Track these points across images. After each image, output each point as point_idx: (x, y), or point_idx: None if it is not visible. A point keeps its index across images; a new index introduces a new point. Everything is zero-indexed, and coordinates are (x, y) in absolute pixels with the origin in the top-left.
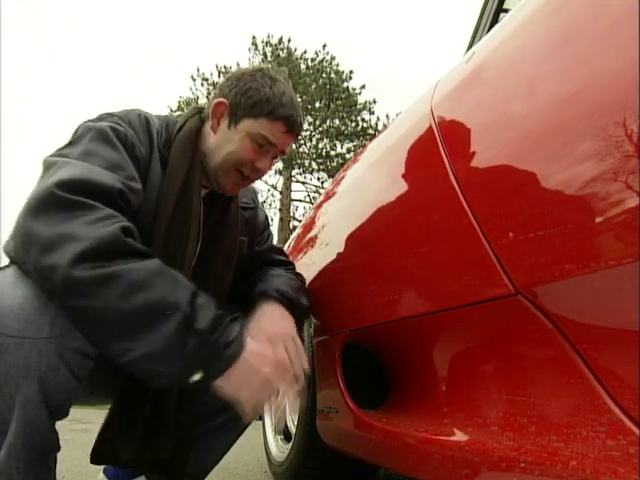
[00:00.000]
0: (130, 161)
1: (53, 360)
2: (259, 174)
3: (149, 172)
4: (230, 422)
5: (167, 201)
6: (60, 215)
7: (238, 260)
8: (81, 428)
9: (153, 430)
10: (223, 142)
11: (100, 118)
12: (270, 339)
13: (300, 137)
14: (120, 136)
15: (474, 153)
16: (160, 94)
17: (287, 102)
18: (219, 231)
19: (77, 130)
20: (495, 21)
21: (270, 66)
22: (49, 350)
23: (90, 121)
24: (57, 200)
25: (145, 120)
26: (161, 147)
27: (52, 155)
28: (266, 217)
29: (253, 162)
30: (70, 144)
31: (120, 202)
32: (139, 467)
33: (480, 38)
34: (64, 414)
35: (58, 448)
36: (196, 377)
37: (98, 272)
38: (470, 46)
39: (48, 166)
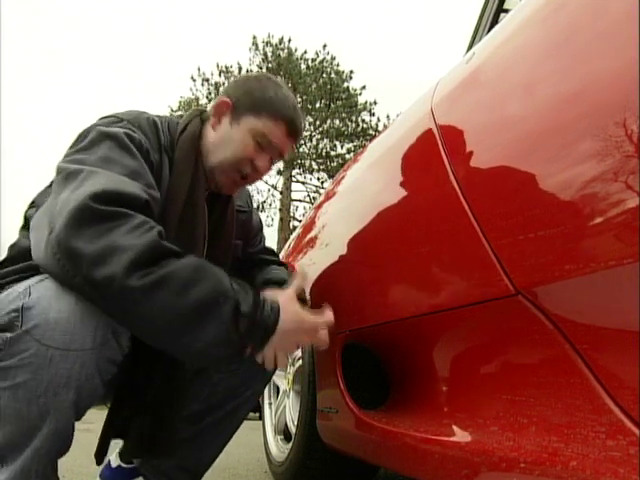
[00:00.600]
0: (147, 168)
1: (91, 370)
2: (258, 175)
3: (161, 177)
4: (226, 418)
5: (175, 205)
6: (100, 227)
7: (232, 263)
8: (82, 428)
9: (154, 427)
10: (224, 140)
11: (111, 122)
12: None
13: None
14: (136, 143)
15: (474, 153)
16: (160, 94)
17: (290, 106)
18: (217, 233)
19: (87, 133)
20: (495, 21)
21: (271, 65)
22: (90, 361)
23: (100, 125)
24: (95, 213)
25: (153, 124)
26: (167, 149)
27: (68, 161)
28: (260, 220)
29: (253, 161)
30: (85, 149)
31: (146, 211)
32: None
33: (480, 38)
34: (81, 417)
35: (68, 449)
36: (248, 351)
37: (151, 278)
38: (470, 46)
39: (70, 174)
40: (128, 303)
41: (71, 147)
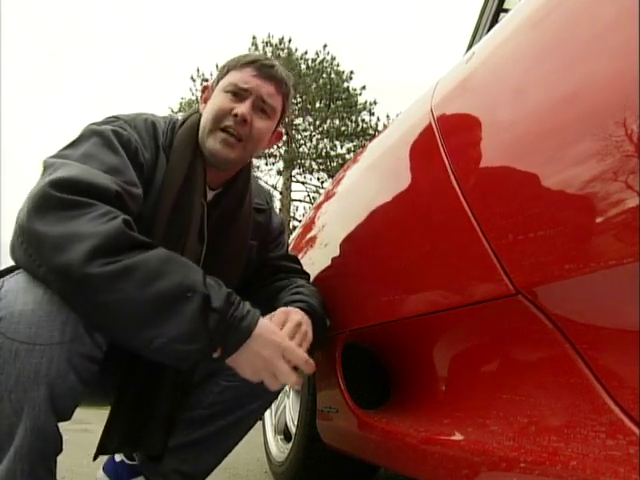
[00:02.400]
0: (131, 166)
1: (62, 366)
2: (244, 126)
3: (154, 177)
4: (229, 428)
5: (167, 199)
6: (61, 214)
7: (247, 265)
8: (81, 428)
9: (142, 425)
10: (205, 110)
11: (105, 121)
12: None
13: (300, 137)
14: (123, 140)
15: (474, 153)
16: (160, 94)
17: (255, 55)
18: (226, 233)
19: (81, 131)
20: (495, 21)
21: None
22: (59, 356)
23: (94, 124)
24: (55, 200)
25: (151, 125)
26: (166, 149)
27: (52, 156)
28: (282, 223)
29: (231, 111)
30: (71, 145)
31: (116, 203)
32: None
33: (480, 38)
34: (69, 417)
35: (60, 450)
36: (216, 354)
37: (113, 267)
38: (470, 46)
39: (47, 167)
40: (88, 293)
41: None
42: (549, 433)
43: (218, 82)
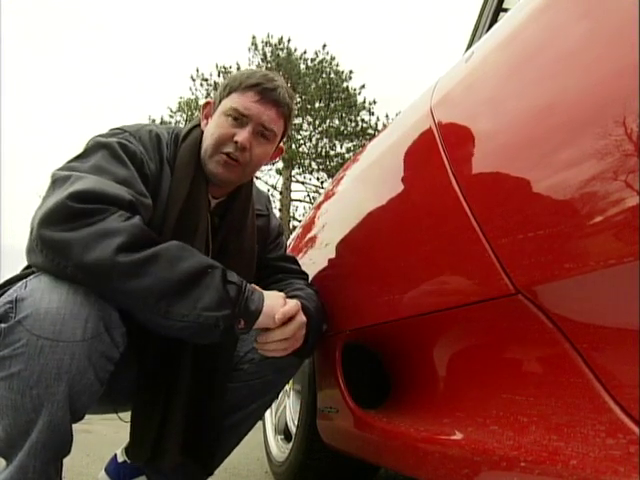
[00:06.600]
0: (139, 178)
1: (83, 363)
2: (245, 152)
3: (160, 188)
4: (233, 428)
5: (172, 212)
6: (84, 222)
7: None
8: (81, 428)
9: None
10: (207, 131)
11: (111, 133)
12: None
13: (300, 137)
14: (129, 153)
15: (474, 153)
16: (159, 94)
17: (258, 75)
18: (233, 243)
19: (87, 144)
20: (494, 20)
21: (270, 66)
22: (81, 353)
23: (101, 136)
24: (77, 211)
25: (156, 137)
26: (170, 161)
27: (61, 169)
28: (279, 225)
29: (232, 137)
30: (79, 158)
31: (129, 210)
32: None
33: (480, 37)
34: (81, 417)
35: (68, 452)
36: (240, 325)
37: (141, 255)
38: (470, 45)
39: (58, 179)
40: (121, 281)
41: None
42: (549, 432)
43: (220, 100)
